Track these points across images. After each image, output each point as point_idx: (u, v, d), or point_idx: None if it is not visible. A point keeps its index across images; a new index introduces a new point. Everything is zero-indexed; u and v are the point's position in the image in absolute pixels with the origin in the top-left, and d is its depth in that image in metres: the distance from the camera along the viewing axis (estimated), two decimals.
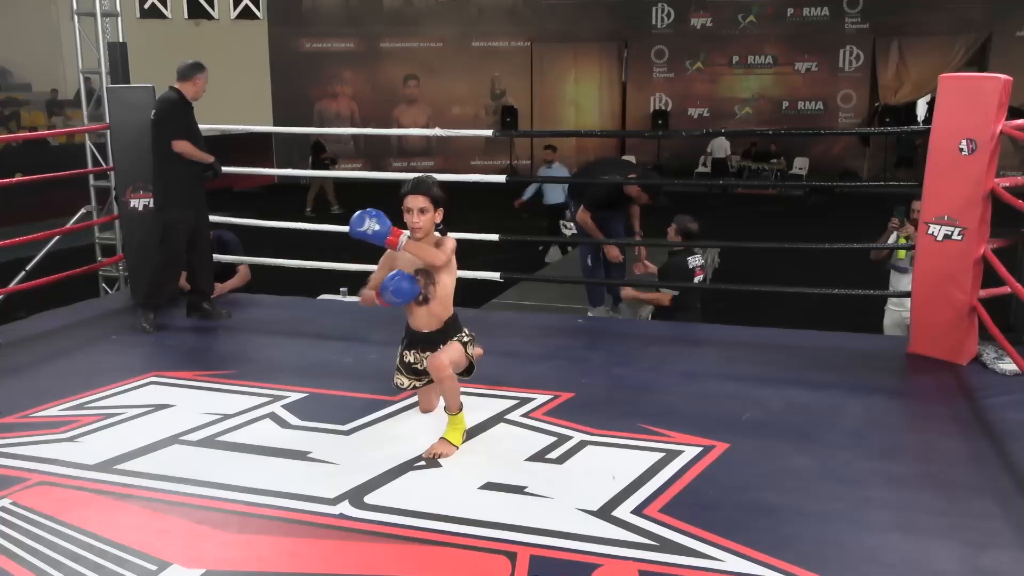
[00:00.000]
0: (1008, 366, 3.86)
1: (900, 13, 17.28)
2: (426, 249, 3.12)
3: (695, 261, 5.22)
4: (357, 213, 3.10)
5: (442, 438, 3.18)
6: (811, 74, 18.26)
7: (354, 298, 6.32)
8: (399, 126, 18.84)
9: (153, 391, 3.86)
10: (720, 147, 17.42)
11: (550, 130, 19.15)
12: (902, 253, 4.89)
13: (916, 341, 4.21)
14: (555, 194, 9.60)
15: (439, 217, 3.18)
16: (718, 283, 9.30)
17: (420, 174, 3.29)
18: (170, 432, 3.38)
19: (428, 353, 3.20)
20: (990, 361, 4.00)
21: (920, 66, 17.17)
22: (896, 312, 5.17)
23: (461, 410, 3.20)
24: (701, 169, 17.97)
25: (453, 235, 3.28)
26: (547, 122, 18.81)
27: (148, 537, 2.62)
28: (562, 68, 19.37)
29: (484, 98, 19.48)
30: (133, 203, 5.20)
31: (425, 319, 3.21)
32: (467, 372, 3.32)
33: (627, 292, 5.44)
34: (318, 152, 14.18)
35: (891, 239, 4.98)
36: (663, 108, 18.84)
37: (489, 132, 5.44)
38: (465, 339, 3.25)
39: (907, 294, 4.41)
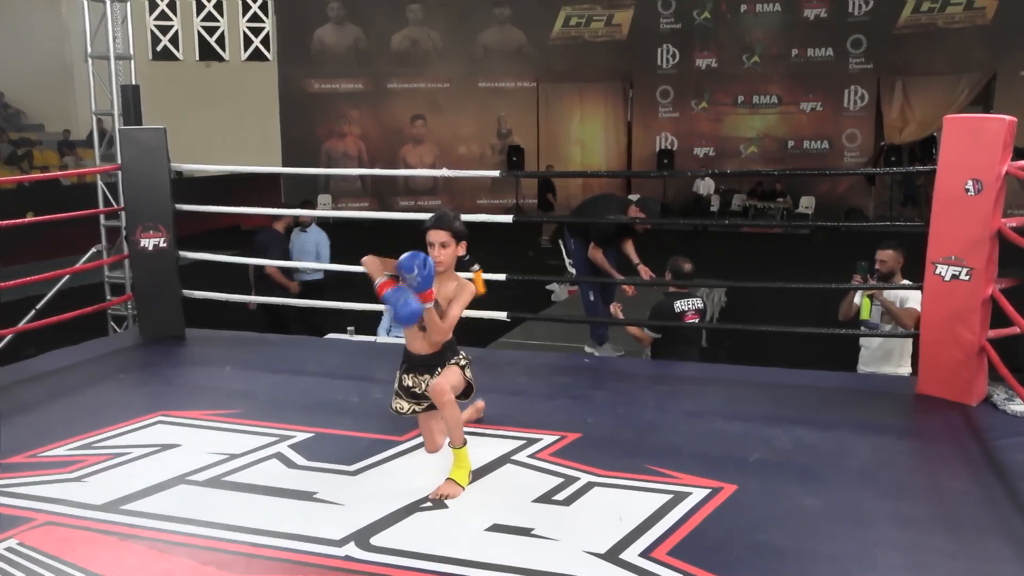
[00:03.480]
0: (1019, 407, 3.84)
1: (904, 53, 17.45)
2: (435, 324, 3.16)
3: (685, 305, 5.21)
4: (415, 255, 3.07)
5: (448, 479, 3.17)
6: (816, 113, 18.40)
7: (361, 337, 6.37)
8: (406, 165, 19.02)
9: (160, 430, 3.86)
10: (704, 186, 17.63)
11: (555, 171, 19.28)
12: (865, 312, 4.86)
13: (924, 381, 4.20)
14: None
15: (462, 250, 3.27)
16: (725, 322, 9.34)
17: (442, 210, 3.35)
18: (176, 472, 3.38)
19: (427, 376, 3.24)
20: (1000, 402, 3.98)
21: (924, 105, 17.29)
22: (865, 371, 5.10)
23: (465, 444, 3.19)
24: (712, 208, 18.05)
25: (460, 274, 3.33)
26: (553, 161, 18.95)
27: None
28: (568, 107, 19.56)
29: (490, 137, 19.66)
30: (143, 243, 5.24)
31: (424, 343, 3.25)
32: (465, 394, 3.34)
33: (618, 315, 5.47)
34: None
35: (856, 297, 4.95)
36: (668, 147, 18.97)
37: (496, 173, 5.47)
38: (462, 362, 3.28)
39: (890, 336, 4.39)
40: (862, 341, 5.19)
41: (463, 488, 3.15)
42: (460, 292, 3.24)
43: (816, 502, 3.08)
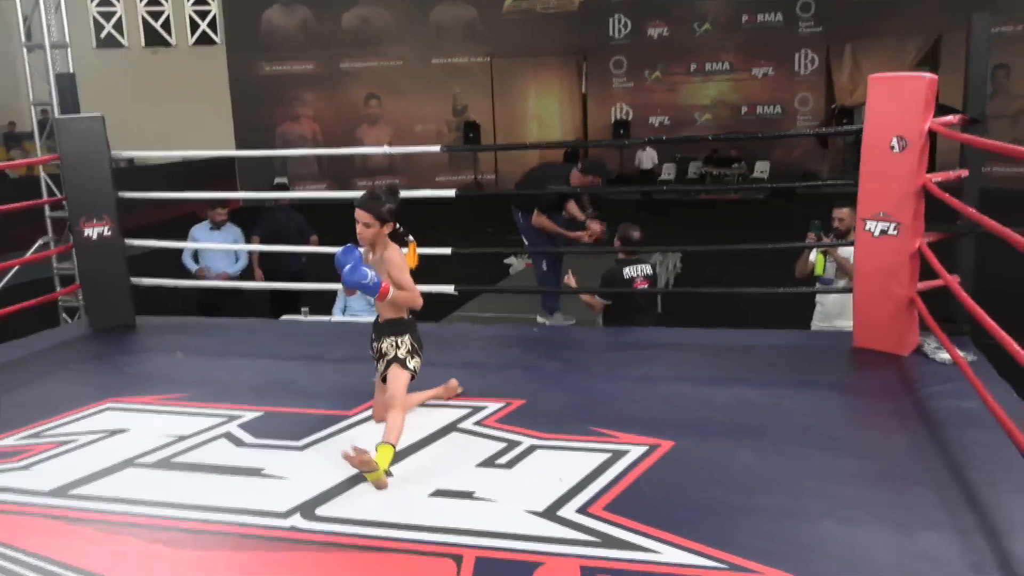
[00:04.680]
0: (946, 356, 3.97)
1: (852, 17, 17.62)
2: (404, 299, 3.35)
3: (634, 271, 5.29)
4: (350, 266, 3.21)
5: (372, 457, 3.06)
6: (768, 79, 18.56)
7: (316, 317, 6.39)
8: (362, 146, 18.92)
9: (109, 417, 3.88)
10: (648, 158, 17.75)
11: (500, 144, 19.28)
12: (820, 268, 4.99)
13: (860, 335, 4.32)
14: (218, 265, 6.99)
15: (387, 230, 3.34)
16: (680, 287, 9.46)
17: (378, 186, 3.45)
18: (125, 456, 3.41)
19: (384, 339, 3.40)
20: (931, 351, 4.11)
21: (873, 68, 17.25)
22: (821, 328, 5.25)
23: (393, 445, 3.14)
24: (664, 177, 18.20)
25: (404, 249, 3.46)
26: (510, 136, 18.95)
27: (101, 559, 2.65)
28: (522, 82, 19.55)
29: (446, 115, 19.61)
30: (87, 232, 5.21)
31: (385, 309, 3.42)
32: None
33: (571, 284, 5.55)
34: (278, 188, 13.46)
35: (811, 254, 5.08)
36: (624, 118, 19.05)
37: (436, 148, 5.48)
38: (402, 354, 3.35)
39: (835, 292, 4.51)
40: (817, 298, 5.34)
41: (380, 471, 3.04)
42: (389, 264, 3.33)
43: (751, 457, 3.19)
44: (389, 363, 3.37)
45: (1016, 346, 2.69)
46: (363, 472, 3.05)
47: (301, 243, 6.85)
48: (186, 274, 6.75)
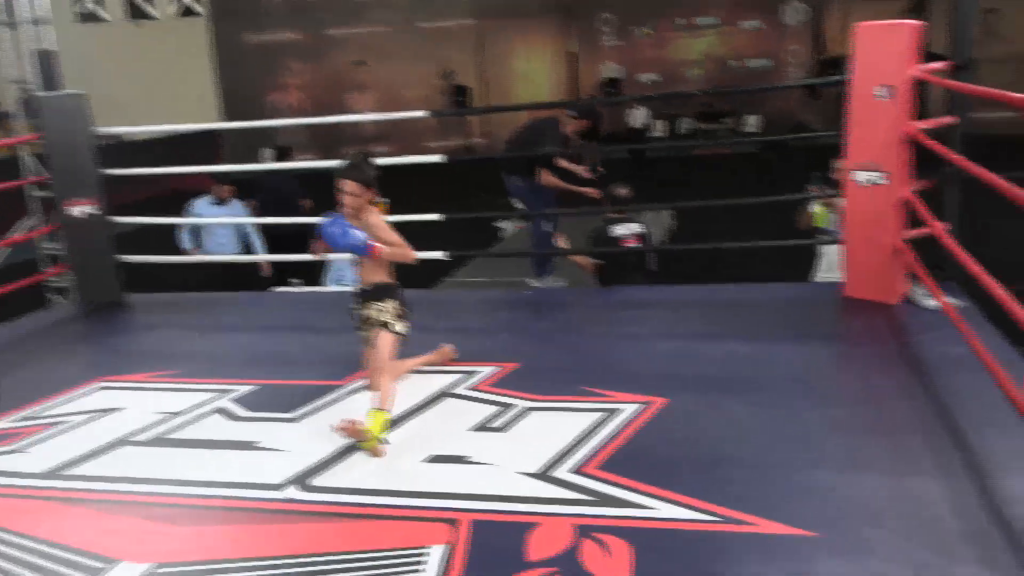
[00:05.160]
0: (936, 302, 3.97)
1: None
2: (397, 254, 3.37)
3: (621, 230, 5.28)
4: (340, 231, 3.25)
5: (364, 425, 3.07)
6: (756, 32, 18.37)
7: (307, 288, 6.39)
8: (352, 113, 18.75)
9: (101, 396, 3.88)
10: (639, 116, 17.56)
11: (488, 106, 19.12)
12: (822, 220, 4.99)
13: (850, 284, 4.32)
14: (220, 241, 6.84)
15: (369, 195, 3.34)
16: (676, 244, 9.44)
17: (356, 154, 3.42)
18: (118, 435, 3.41)
19: (370, 304, 3.39)
20: (920, 299, 4.12)
21: (862, 17, 17.17)
22: (824, 279, 5.27)
23: (386, 411, 3.14)
24: (656, 134, 18.08)
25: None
26: (499, 98, 18.80)
27: (96, 537, 2.66)
28: (510, 43, 19.36)
29: (435, 79, 19.42)
30: (73, 211, 5.18)
31: (370, 273, 3.42)
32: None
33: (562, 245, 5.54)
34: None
35: (813, 206, 5.07)
36: (615, 76, 18.88)
37: (423, 112, 5.37)
38: (388, 318, 3.35)
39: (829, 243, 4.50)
40: (822, 249, 5.34)
41: (375, 438, 3.04)
42: (375, 228, 3.33)
43: (743, 410, 3.20)
44: (375, 328, 3.37)
45: (1003, 292, 2.69)
46: (357, 442, 3.06)
47: (299, 207, 6.79)
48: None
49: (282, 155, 8.61)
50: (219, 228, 6.79)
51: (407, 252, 3.40)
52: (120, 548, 2.59)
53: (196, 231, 6.82)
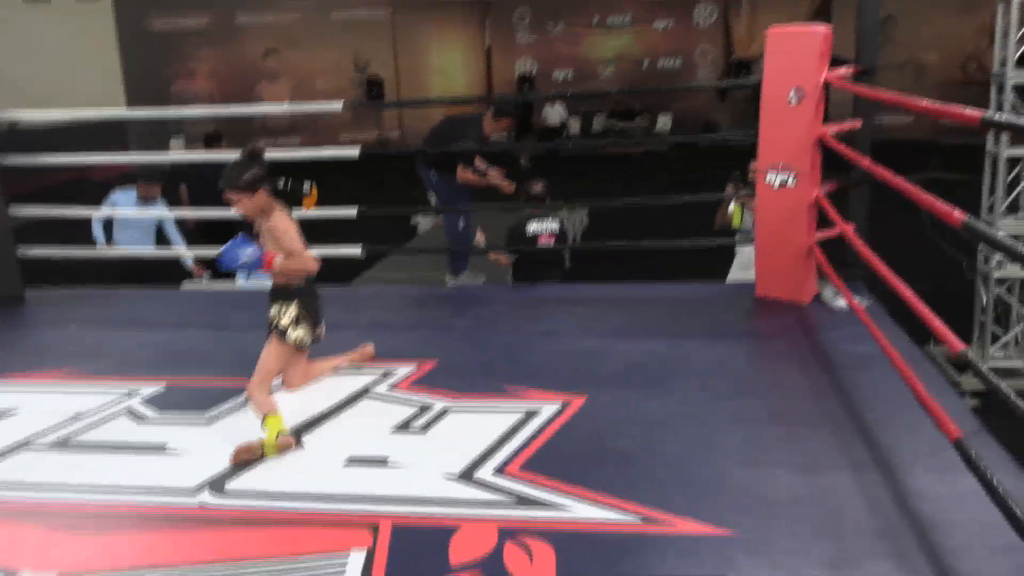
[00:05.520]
0: (844, 302, 4.11)
1: None
2: (294, 266, 3.32)
3: (537, 226, 5.30)
4: (228, 246, 3.22)
5: (257, 441, 3.02)
6: (668, 31, 18.70)
7: (219, 284, 6.21)
8: (263, 102, 18.34)
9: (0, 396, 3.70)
10: (555, 114, 17.71)
11: (404, 100, 18.99)
12: (737, 219, 5.10)
13: (762, 284, 4.43)
14: (135, 236, 6.53)
15: (260, 198, 3.26)
16: (588, 242, 9.52)
17: (231, 163, 3.30)
18: (17, 438, 3.25)
19: (275, 306, 3.37)
20: (829, 298, 4.25)
21: (770, 20, 17.70)
22: (739, 279, 5.39)
23: (274, 414, 3.09)
24: (571, 132, 18.23)
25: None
26: (413, 92, 18.66)
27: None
28: (425, 36, 19.23)
29: (348, 70, 19.15)
30: None
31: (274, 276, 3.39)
32: (315, 340, 3.46)
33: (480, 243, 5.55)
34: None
35: (730, 206, 5.18)
36: (529, 73, 18.96)
37: (338, 106, 5.24)
38: (284, 322, 3.32)
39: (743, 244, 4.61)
40: (737, 249, 5.45)
41: (271, 444, 2.98)
42: (274, 231, 3.29)
43: (661, 407, 3.25)
44: (270, 331, 3.33)
45: (908, 291, 2.80)
46: (258, 459, 2.98)
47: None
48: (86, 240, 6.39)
49: (212, 141, 8.33)
50: (136, 223, 6.51)
51: (306, 263, 3.33)
52: (22, 558, 2.47)
53: (110, 224, 6.54)
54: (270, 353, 3.31)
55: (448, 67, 19.41)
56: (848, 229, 3.86)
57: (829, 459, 2.77)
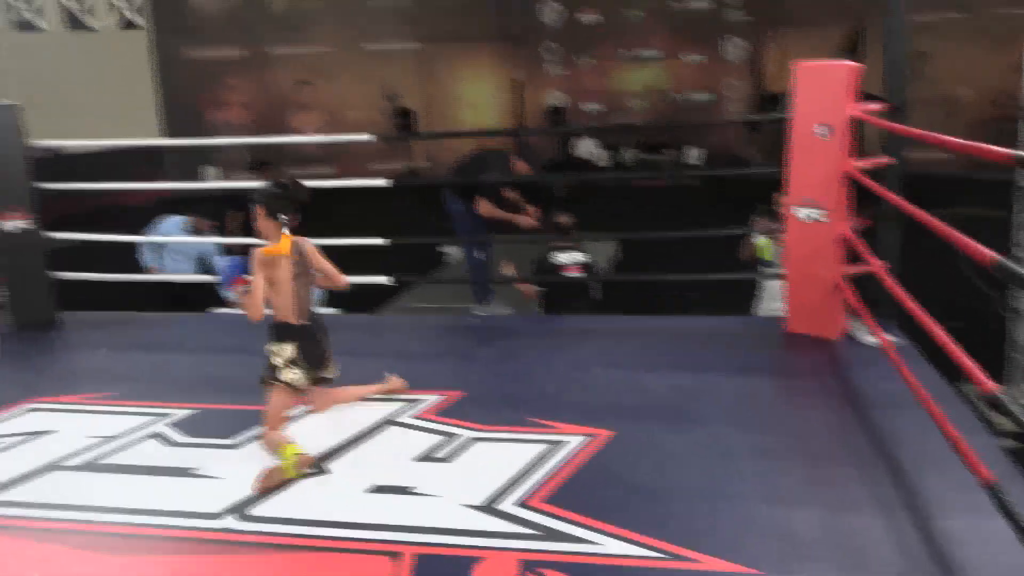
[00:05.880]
0: (875, 339, 4.06)
1: (781, 4, 17.90)
2: (329, 284, 3.48)
3: (564, 258, 5.31)
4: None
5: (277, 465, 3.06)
6: (698, 65, 18.74)
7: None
8: (294, 133, 18.58)
9: (31, 419, 3.75)
10: (584, 148, 17.73)
11: (435, 132, 19.14)
12: (765, 252, 5.09)
13: (791, 320, 4.40)
14: (178, 265, 6.75)
15: (261, 215, 3.34)
16: (619, 274, 9.52)
17: (275, 182, 3.40)
18: (49, 459, 3.30)
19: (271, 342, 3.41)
20: (859, 335, 4.21)
21: (801, 55, 17.51)
22: (767, 311, 5.37)
23: (287, 444, 3.11)
24: (602, 163, 18.26)
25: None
26: (443, 123, 18.79)
27: (26, 567, 2.56)
28: (456, 69, 19.41)
29: (379, 101, 19.35)
30: (5, 226, 5.02)
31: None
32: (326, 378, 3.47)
33: (508, 273, 5.56)
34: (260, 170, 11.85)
35: (757, 238, 5.17)
36: (559, 104, 19.06)
37: (369, 136, 5.31)
38: (278, 363, 3.32)
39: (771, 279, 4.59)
40: (762, 282, 5.42)
41: (289, 466, 3.02)
42: (315, 255, 3.42)
43: (687, 441, 3.22)
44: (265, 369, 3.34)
45: (940, 330, 2.76)
46: (281, 483, 2.99)
47: None
48: (125, 266, 6.48)
49: (259, 168, 8.44)
50: (181, 250, 6.63)
51: (340, 280, 3.41)
52: None
53: (158, 249, 6.67)
54: (271, 400, 3.28)
55: (478, 99, 19.54)
56: (878, 265, 3.83)
57: (856, 498, 2.74)
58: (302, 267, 3.33)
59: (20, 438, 3.53)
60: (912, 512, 2.63)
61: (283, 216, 3.32)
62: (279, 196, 3.30)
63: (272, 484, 2.97)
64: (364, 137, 5.27)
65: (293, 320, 3.33)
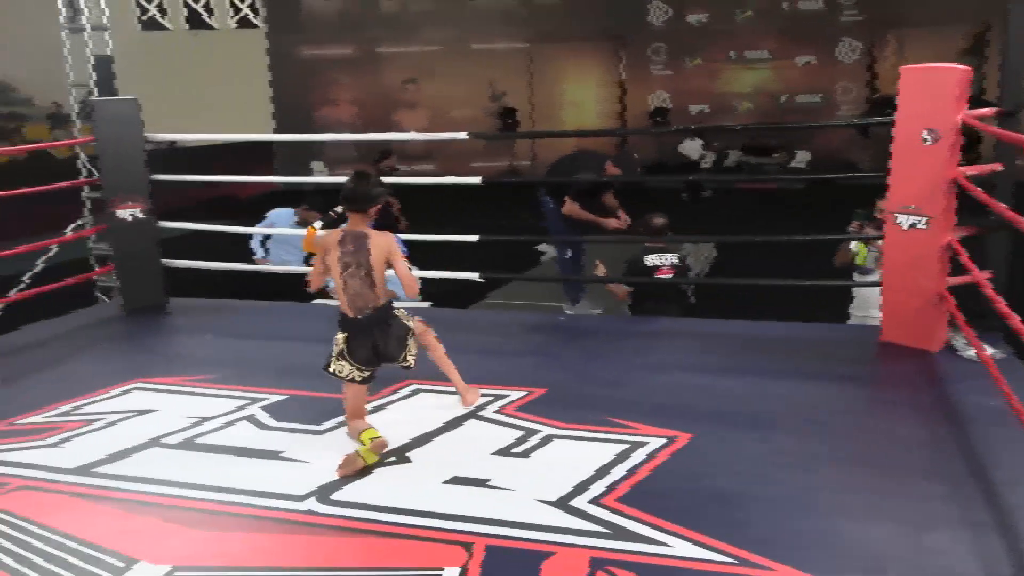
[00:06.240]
0: (975, 353, 3.90)
1: (897, 4, 17.26)
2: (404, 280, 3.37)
3: (656, 259, 5.26)
4: None
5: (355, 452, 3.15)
6: (809, 67, 18.25)
7: None
8: (400, 131, 18.96)
9: (137, 397, 3.96)
10: (692, 149, 17.43)
11: (528, 131, 19.18)
12: (861, 257, 4.92)
13: (888, 329, 4.26)
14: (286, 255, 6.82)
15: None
16: (715, 277, 9.37)
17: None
18: (150, 436, 3.48)
19: None
20: (960, 348, 4.05)
21: (918, 57, 16.85)
22: (858, 318, 5.20)
23: (360, 434, 3.21)
24: (706, 165, 18.01)
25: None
26: (547, 122, 18.86)
27: (119, 536, 2.71)
28: (560, 68, 19.44)
29: (484, 100, 19.56)
30: (121, 214, 5.31)
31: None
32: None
33: (600, 273, 5.54)
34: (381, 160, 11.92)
35: (853, 243, 5.01)
36: (663, 105, 18.88)
37: (464, 135, 5.39)
38: (333, 351, 3.35)
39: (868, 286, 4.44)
40: (855, 287, 5.27)
41: (367, 451, 3.11)
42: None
43: (767, 448, 3.17)
44: None
45: None
46: (361, 468, 3.08)
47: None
48: (246, 257, 6.73)
49: (382, 158, 8.62)
50: (289, 241, 6.84)
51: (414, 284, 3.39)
52: (140, 549, 2.64)
53: (266, 240, 6.92)
54: (343, 389, 3.36)
55: (582, 99, 19.53)
56: (982, 277, 3.67)
57: (944, 516, 2.64)
58: (355, 261, 3.24)
59: (125, 415, 3.73)
60: (1005, 533, 2.52)
61: (338, 208, 3.41)
62: (344, 190, 3.34)
63: (353, 470, 3.06)
64: (459, 135, 5.35)
65: (348, 312, 3.30)
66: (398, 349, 3.36)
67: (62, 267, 6.77)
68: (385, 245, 3.27)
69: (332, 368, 3.32)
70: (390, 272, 3.31)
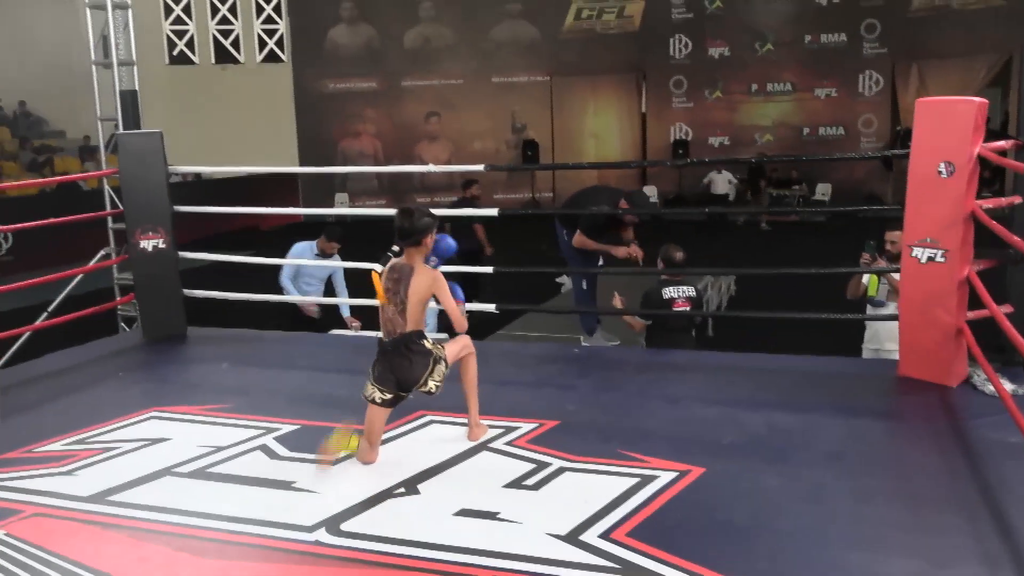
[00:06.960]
0: (994, 388, 3.84)
1: (918, 36, 17.26)
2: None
3: (674, 292, 5.24)
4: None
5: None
6: (830, 99, 18.24)
7: (366, 333, 6.46)
8: (422, 163, 19.09)
9: (152, 426, 3.99)
10: (721, 182, 17.30)
11: (546, 164, 19.22)
12: (872, 289, 4.88)
13: (905, 363, 4.22)
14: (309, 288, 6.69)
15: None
16: (733, 310, 9.33)
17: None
18: (163, 464, 3.50)
19: None
20: (980, 383, 3.99)
21: (940, 89, 17.03)
22: (871, 351, 5.15)
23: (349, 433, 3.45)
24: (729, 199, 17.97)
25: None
26: (568, 155, 18.94)
27: (128, 564, 2.72)
28: (581, 101, 19.55)
29: (505, 132, 19.69)
30: (143, 244, 5.38)
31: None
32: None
33: (617, 305, 5.52)
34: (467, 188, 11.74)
35: (864, 275, 4.98)
36: (683, 137, 18.92)
37: (481, 167, 5.43)
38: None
39: (883, 319, 4.40)
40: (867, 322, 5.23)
41: (340, 442, 3.38)
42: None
43: (780, 482, 3.14)
44: None
45: None
46: (340, 455, 3.36)
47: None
48: (276, 289, 6.75)
49: (468, 186, 8.76)
50: (310, 272, 6.88)
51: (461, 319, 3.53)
52: None
53: (295, 273, 6.95)
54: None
55: (603, 132, 19.63)
56: (1000, 311, 3.63)
57: (959, 551, 2.60)
58: (395, 289, 3.39)
59: (139, 443, 3.76)
60: (1019, 571, 2.48)
61: (394, 248, 3.54)
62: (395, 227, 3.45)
63: (329, 461, 3.29)
64: (476, 167, 5.40)
65: (382, 336, 3.47)
66: (417, 374, 3.42)
67: (86, 296, 6.86)
68: (428, 281, 3.40)
69: (365, 392, 3.47)
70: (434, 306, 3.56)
